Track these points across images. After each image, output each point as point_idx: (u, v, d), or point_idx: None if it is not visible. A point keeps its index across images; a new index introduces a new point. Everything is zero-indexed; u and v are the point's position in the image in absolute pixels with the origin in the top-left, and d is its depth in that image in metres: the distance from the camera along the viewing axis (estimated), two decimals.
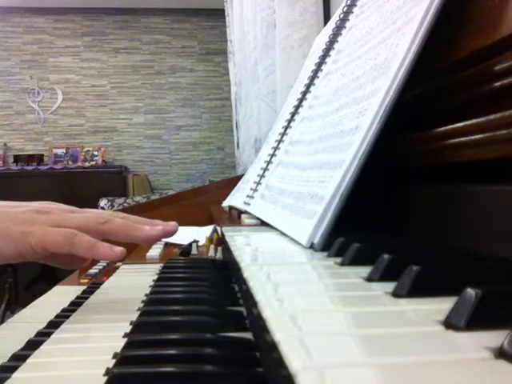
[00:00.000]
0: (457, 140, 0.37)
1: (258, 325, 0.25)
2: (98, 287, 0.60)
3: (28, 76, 4.22)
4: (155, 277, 0.60)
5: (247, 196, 0.76)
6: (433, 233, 0.39)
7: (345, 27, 0.66)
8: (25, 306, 0.60)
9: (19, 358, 0.36)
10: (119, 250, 0.44)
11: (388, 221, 0.47)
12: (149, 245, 0.45)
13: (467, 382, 0.15)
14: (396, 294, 0.25)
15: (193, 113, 4.38)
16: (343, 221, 0.40)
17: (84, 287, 0.66)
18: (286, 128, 0.74)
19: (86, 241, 0.43)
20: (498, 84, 0.34)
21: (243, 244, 0.50)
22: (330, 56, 0.67)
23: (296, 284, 0.30)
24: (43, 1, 4.09)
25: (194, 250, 0.88)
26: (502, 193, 0.31)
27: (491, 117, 0.32)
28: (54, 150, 4.17)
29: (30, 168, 3.90)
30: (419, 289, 0.25)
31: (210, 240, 0.85)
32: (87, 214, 0.47)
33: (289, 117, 0.74)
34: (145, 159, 4.35)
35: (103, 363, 0.33)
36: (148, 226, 0.46)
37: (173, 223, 0.48)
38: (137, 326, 0.39)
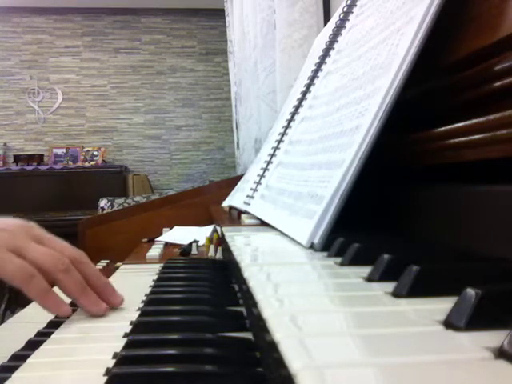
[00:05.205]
0: (457, 140, 0.37)
1: (258, 325, 0.25)
2: None
3: (28, 76, 4.22)
4: (155, 277, 0.60)
5: (247, 196, 0.76)
6: (433, 233, 0.39)
7: (345, 27, 0.66)
8: (25, 306, 0.59)
9: (19, 358, 0.36)
10: (66, 309, 0.44)
11: (388, 221, 0.47)
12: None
13: (467, 382, 0.15)
14: (396, 294, 0.25)
15: (193, 113, 4.38)
16: (343, 221, 0.40)
17: None
18: (285, 128, 0.73)
19: (41, 287, 0.43)
20: (498, 84, 0.34)
21: (243, 244, 0.50)
22: (330, 56, 0.67)
23: (296, 284, 0.30)
24: (43, 1, 4.09)
25: (194, 250, 0.88)
26: (502, 193, 0.31)
27: (491, 117, 0.32)
28: (54, 150, 4.17)
29: (30, 168, 3.90)
30: (419, 289, 0.25)
31: (209, 240, 0.85)
32: (50, 252, 0.45)
33: (289, 117, 0.74)
34: (145, 159, 4.35)
35: (103, 363, 0.33)
36: (94, 299, 0.45)
37: (119, 299, 0.47)
38: (137, 326, 0.39)
